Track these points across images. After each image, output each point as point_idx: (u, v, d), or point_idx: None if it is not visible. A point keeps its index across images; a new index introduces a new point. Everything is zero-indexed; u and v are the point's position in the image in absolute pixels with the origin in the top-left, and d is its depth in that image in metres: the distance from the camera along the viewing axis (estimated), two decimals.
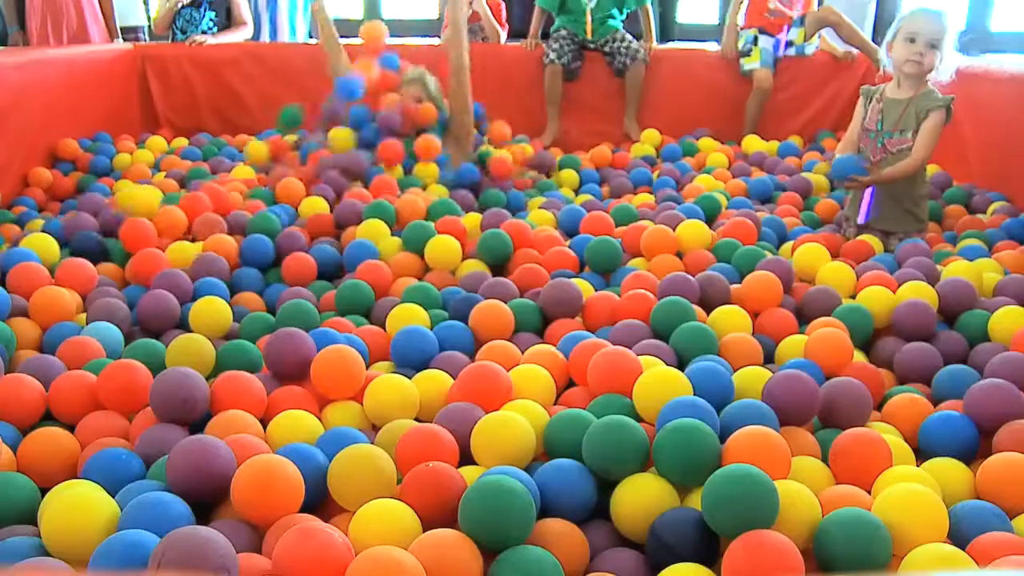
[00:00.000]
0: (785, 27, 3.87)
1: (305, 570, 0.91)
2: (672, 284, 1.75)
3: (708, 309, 1.73)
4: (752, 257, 1.98)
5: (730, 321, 1.65)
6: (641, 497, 1.09)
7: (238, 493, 1.06)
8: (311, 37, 4.68)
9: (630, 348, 1.43)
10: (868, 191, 2.37)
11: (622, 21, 3.97)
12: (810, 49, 3.98)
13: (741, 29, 3.97)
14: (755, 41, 3.86)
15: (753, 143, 3.56)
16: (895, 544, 1.01)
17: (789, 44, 3.89)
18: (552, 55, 3.87)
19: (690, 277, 1.79)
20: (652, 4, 4.04)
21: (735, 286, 1.83)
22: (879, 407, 1.46)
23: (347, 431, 1.25)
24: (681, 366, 1.47)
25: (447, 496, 1.06)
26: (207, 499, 1.12)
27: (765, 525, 0.97)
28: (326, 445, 1.20)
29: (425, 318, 1.73)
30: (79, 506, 1.03)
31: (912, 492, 1.05)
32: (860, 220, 2.38)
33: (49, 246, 1.98)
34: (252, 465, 1.07)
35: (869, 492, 1.13)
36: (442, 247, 2.04)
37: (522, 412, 1.25)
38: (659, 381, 1.27)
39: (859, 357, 1.62)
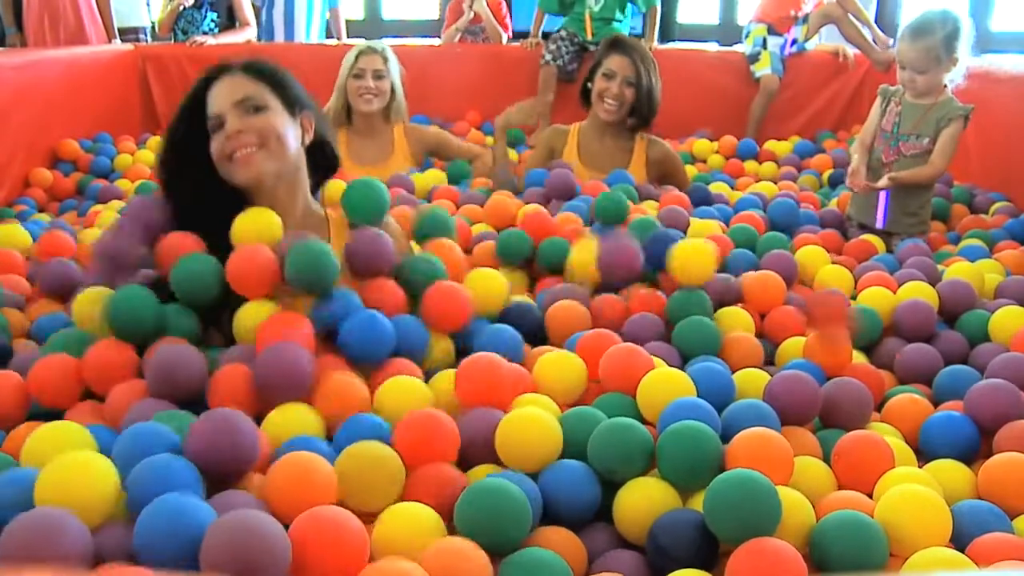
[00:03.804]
0: (792, 25, 3.87)
1: (324, 551, 0.90)
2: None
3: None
4: (770, 243, 2.00)
5: (734, 322, 1.64)
6: (643, 500, 1.08)
7: (273, 489, 1.03)
8: (329, 37, 4.65)
9: (642, 344, 1.42)
10: (883, 196, 2.37)
11: (640, 20, 3.96)
12: (811, 45, 3.99)
13: (749, 23, 3.98)
14: (764, 44, 3.86)
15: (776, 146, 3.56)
16: (899, 546, 1.01)
17: (794, 42, 3.90)
18: (548, 56, 3.87)
19: (731, 277, 1.77)
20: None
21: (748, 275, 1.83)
22: (879, 407, 1.46)
23: (366, 418, 1.23)
24: (684, 362, 1.48)
25: (447, 498, 1.05)
26: (227, 476, 1.08)
27: (767, 531, 0.96)
28: (345, 434, 1.19)
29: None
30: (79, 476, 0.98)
31: (916, 494, 1.04)
32: (878, 225, 2.38)
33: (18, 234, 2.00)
34: (287, 462, 1.04)
35: (871, 494, 1.13)
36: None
37: (538, 408, 1.23)
38: (663, 381, 1.27)
39: (860, 358, 1.62)
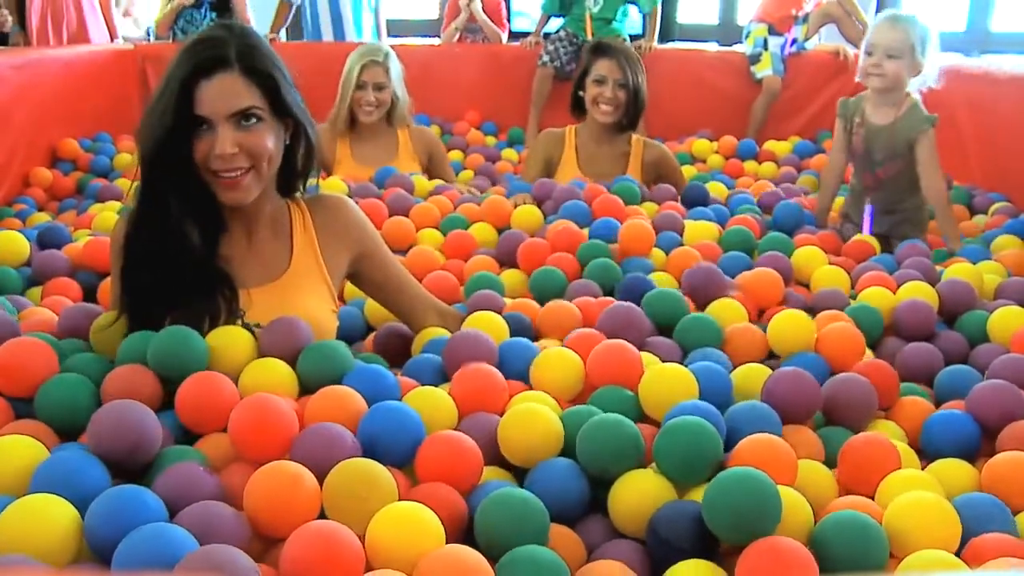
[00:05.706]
0: (792, 24, 3.88)
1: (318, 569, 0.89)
2: (696, 274, 1.76)
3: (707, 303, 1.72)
4: (772, 244, 2.01)
5: (727, 315, 1.63)
6: (638, 493, 1.08)
7: (252, 500, 1.00)
8: (378, 36, 4.48)
9: (619, 336, 1.41)
10: (868, 207, 2.37)
11: (641, 20, 3.97)
12: (810, 44, 3.99)
13: (749, 23, 3.99)
14: (765, 44, 3.86)
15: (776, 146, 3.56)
16: (905, 552, 1.00)
17: (794, 42, 3.90)
18: (546, 57, 3.87)
19: (717, 269, 1.78)
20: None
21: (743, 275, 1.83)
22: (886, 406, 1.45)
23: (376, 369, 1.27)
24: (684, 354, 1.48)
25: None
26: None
27: (767, 531, 0.96)
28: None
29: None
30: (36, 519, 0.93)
31: (924, 500, 1.04)
32: (865, 231, 2.38)
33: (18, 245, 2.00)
34: (267, 473, 1.01)
35: (873, 496, 1.12)
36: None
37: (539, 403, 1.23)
38: (665, 378, 1.26)
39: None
